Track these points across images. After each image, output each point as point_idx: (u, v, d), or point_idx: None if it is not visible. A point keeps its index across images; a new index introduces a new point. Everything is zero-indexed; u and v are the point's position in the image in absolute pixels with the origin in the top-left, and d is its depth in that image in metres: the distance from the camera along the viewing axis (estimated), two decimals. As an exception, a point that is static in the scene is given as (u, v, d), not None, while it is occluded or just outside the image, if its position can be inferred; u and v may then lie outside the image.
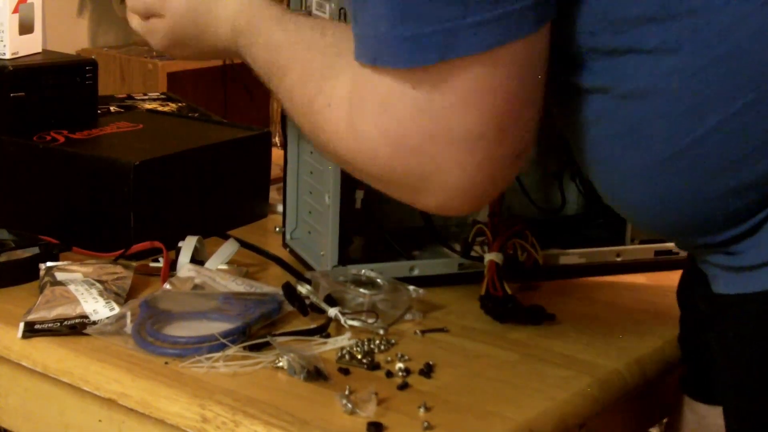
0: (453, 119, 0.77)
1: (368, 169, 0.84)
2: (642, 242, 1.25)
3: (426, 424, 0.87)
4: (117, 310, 1.04)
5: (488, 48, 0.75)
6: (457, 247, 1.18)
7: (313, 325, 1.04)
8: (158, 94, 1.83)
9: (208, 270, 1.14)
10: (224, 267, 1.16)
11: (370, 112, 0.80)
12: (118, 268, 1.13)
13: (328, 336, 1.02)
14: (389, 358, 0.99)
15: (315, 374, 0.94)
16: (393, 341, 1.03)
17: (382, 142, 0.80)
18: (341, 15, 1.09)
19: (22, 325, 1.02)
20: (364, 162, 0.83)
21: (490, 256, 1.13)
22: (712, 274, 0.84)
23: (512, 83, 0.78)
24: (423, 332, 1.06)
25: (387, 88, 0.78)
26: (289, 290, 1.05)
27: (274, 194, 1.42)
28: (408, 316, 1.08)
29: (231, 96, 3.03)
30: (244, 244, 1.18)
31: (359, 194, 1.17)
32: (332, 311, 1.05)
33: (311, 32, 0.93)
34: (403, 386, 0.94)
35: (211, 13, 1.05)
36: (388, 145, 0.80)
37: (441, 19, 0.74)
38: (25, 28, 1.37)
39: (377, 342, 1.01)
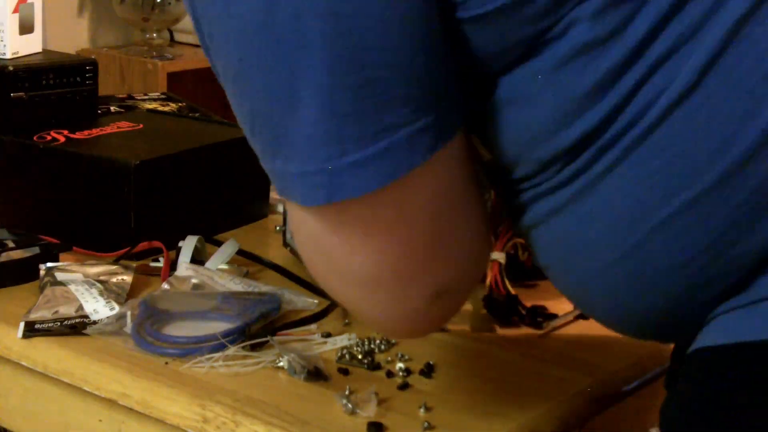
0: (348, 260, 0.73)
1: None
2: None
3: (426, 424, 0.87)
4: (117, 309, 1.04)
5: (374, 188, 0.68)
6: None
7: (314, 328, 1.04)
8: (158, 94, 1.83)
9: (207, 270, 1.14)
10: (224, 267, 1.16)
11: (302, 245, 0.77)
12: (118, 268, 1.13)
13: (328, 336, 1.02)
14: (389, 358, 0.99)
15: (315, 374, 0.94)
16: (393, 341, 1.02)
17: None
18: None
19: (22, 325, 1.02)
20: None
21: (493, 256, 1.13)
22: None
23: (408, 222, 0.71)
24: (423, 332, 1.06)
25: (297, 219, 0.75)
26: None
27: (274, 194, 1.42)
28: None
29: (231, 96, 3.02)
30: (242, 253, 1.18)
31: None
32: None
33: None
34: (404, 386, 0.94)
35: None
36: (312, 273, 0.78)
37: (320, 159, 0.68)
38: (26, 27, 1.37)
39: (377, 342, 1.01)
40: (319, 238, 0.73)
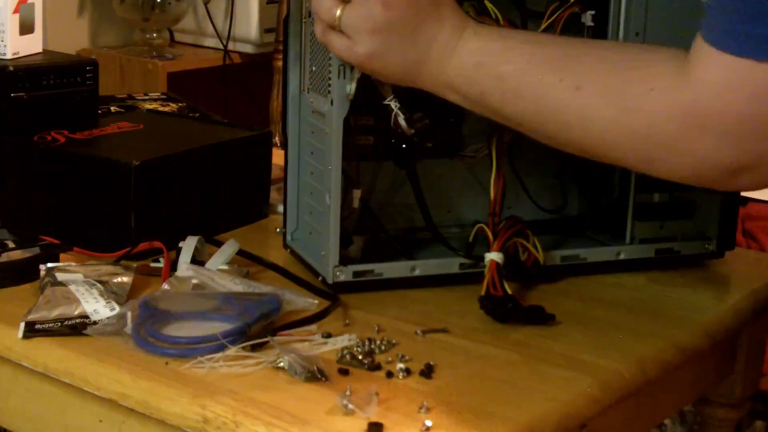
0: None
1: (695, 152, 0.86)
2: (642, 241, 1.25)
3: (426, 424, 0.87)
4: (117, 310, 1.04)
5: None
6: (458, 247, 1.18)
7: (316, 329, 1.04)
8: (158, 94, 1.83)
9: (207, 270, 1.14)
10: (224, 267, 1.16)
11: (738, 100, 0.82)
12: (119, 269, 1.13)
13: (328, 336, 1.02)
14: (390, 359, 0.99)
15: (316, 375, 0.94)
16: (393, 341, 1.03)
17: (739, 126, 0.83)
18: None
19: (22, 325, 1.02)
20: (695, 144, 0.85)
21: (490, 256, 1.13)
22: None
23: None
24: (424, 332, 1.06)
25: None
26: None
27: (274, 194, 1.42)
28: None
29: (231, 96, 3.03)
30: (242, 253, 1.18)
31: (356, 193, 1.17)
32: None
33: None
34: (404, 387, 0.94)
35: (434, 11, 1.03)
36: (745, 130, 0.83)
37: None
38: (26, 28, 1.37)
39: (378, 342, 1.01)
40: None
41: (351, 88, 1.09)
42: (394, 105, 1.11)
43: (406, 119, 1.11)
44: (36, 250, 1.17)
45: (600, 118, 0.91)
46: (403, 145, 1.15)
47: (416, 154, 1.16)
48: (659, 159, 0.89)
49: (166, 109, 1.68)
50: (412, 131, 1.12)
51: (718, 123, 0.84)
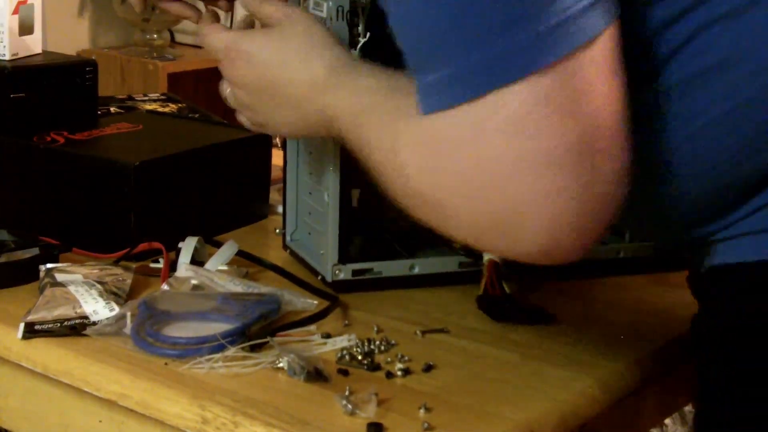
0: (548, 134, 0.73)
1: (457, 212, 0.79)
2: (642, 241, 1.25)
3: (426, 424, 0.87)
4: (117, 310, 1.04)
5: (570, 49, 0.72)
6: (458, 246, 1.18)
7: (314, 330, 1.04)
8: (158, 94, 1.83)
9: (206, 270, 1.14)
10: (224, 268, 1.16)
11: (449, 151, 0.76)
12: (118, 269, 1.13)
13: (328, 337, 1.02)
14: (389, 359, 0.99)
15: (315, 375, 0.94)
16: (393, 342, 1.03)
17: (471, 177, 0.76)
18: (339, 13, 1.09)
19: (22, 325, 1.02)
20: (453, 204, 0.79)
21: (489, 255, 1.13)
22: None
23: (601, 84, 0.74)
24: (423, 333, 1.06)
25: (472, 121, 0.74)
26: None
27: (274, 195, 1.42)
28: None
29: (231, 96, 3.03)
30: (242, 253, 1.18)
31: (355, 193, 1.17)
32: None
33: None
34: (404, 387, 0.94)
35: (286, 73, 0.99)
36: (475, 182, 0.76)
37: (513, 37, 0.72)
38: (25, 29, 1.37)
39: (377, 342, 1.01)
40: (522, 119, 0.73)
41: None
42: None
43: None
44: (35, 251, 1.17)
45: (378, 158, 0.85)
46: None
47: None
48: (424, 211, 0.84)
49: (166, 109, 1.68)
50: None
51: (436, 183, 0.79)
